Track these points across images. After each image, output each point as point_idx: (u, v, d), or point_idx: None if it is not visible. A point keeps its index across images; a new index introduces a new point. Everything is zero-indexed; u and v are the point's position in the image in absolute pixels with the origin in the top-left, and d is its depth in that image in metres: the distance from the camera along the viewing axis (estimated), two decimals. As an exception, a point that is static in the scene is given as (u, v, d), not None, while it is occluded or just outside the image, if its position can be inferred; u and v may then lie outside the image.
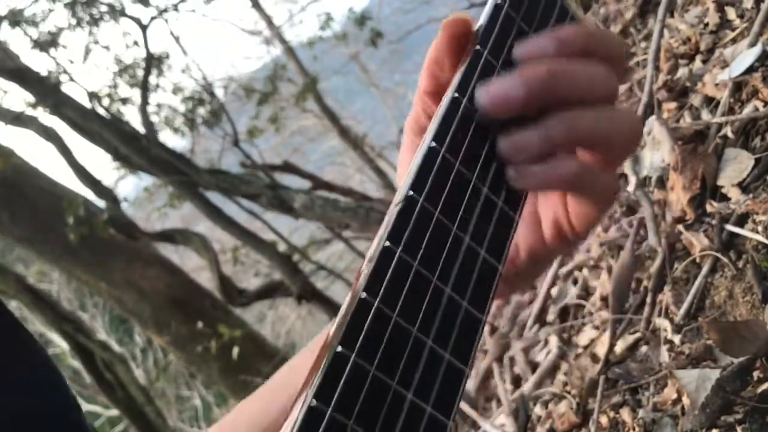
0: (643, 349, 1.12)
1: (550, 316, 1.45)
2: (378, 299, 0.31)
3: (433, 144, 0.36)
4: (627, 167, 1.32)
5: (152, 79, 5.47)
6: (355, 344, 0.30)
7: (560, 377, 1.30)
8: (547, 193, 0.45)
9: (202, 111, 5.61)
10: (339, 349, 0.30)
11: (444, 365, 0.33)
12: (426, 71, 0.42)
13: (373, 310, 0.31)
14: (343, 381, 0.29)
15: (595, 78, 0.39)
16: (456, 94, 0.38)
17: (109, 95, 5.25)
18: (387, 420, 0.30)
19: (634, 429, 1.01)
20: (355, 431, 0.29)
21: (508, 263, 0.44)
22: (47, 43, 5.01)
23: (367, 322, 0.31)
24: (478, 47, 0.39)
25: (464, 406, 1.50)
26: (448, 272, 0.35)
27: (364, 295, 0.31)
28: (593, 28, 0.41)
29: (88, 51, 5.24)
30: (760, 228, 0.99)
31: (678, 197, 1.14)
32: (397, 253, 0.33)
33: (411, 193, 0.35)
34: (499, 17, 0.40)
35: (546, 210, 0.45)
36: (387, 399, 0.30)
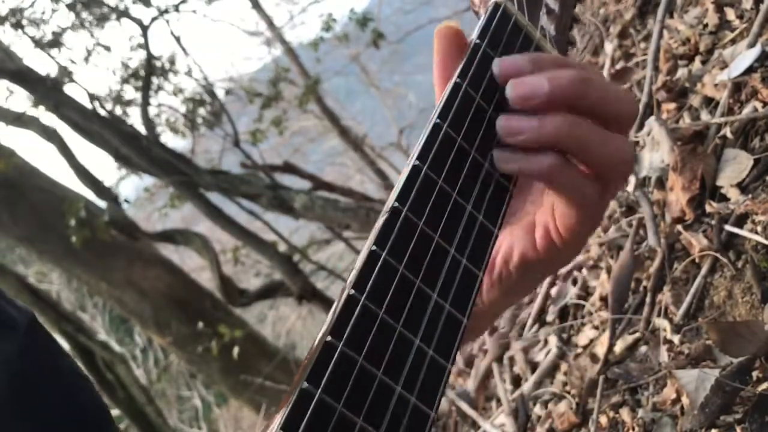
0: (643, 349, 1.12)
1: (550, 316, 1.45)
2: (363, 297, 0.34)
3: (417, 163, 0.38)
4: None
5: (154, 80, 5.47)
6: (342, 335, 0.32)
7: (560, 377, 1.30)
8: (541, 199, 0.47)
9: (202, 111, 5.61)
10: (329, 338, 0.32)
11: (428, 360, 0.35)
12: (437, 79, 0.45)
13: (359, 307, 0.33)
14: (331, 367, 0.31)
15: (622, 98, 0.42)
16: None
17: (112, 97, 5.25)
18: (373, 404, 0.32)
19: (633, 429, 1.02)
20: (342, 414, 0.31)
21: (501, 265, 0.48)
22: (50, 44, 5.01)
23: (354, 316, 0.33)
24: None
25: (464, 405, 1.50)
26: (434, 280, 0.36)
27: (352, 292, 0.33)
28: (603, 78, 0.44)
29: (89, 52, 5.24)
30: (759, 228, 0.99)
31: (677, 197, 1.14)
32: (382, 257, 0.35)
33: (396, 202, 0.37)
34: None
35: (539, 216, 0.47)
36: (373, 385, 0.32)
